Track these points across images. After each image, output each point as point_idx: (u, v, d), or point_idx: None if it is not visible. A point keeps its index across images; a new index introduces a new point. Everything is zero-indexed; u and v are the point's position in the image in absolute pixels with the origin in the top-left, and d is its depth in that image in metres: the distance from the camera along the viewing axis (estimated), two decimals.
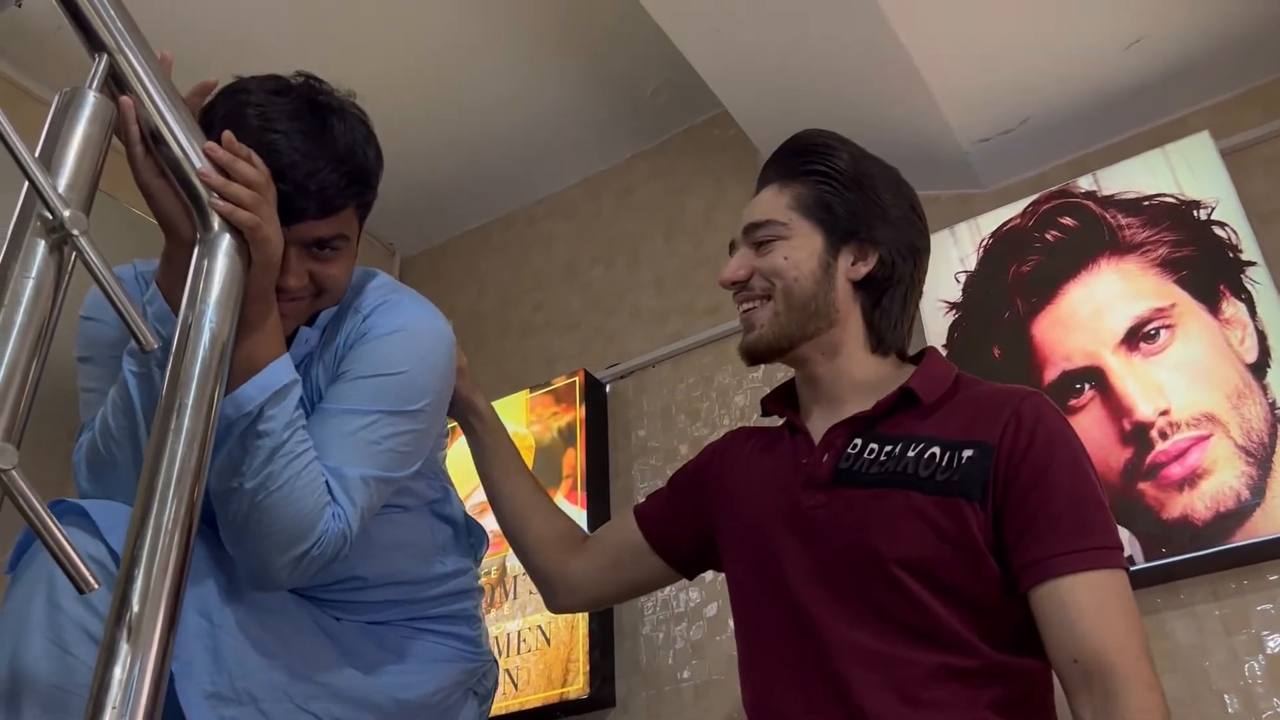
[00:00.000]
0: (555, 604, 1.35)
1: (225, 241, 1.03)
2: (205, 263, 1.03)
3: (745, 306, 1.16)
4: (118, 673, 0.82)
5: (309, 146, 1.07)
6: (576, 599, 1.35)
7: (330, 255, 1.11)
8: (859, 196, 1.14)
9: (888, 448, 1.07)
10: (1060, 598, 0.96)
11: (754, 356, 1.15)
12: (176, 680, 1.00)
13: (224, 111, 1.08)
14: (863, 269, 1.14)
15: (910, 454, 1.05)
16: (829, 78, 2.06)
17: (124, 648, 0.83)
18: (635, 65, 2.60)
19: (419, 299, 1.21)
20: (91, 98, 0.99)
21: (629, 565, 1.30)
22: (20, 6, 1.17)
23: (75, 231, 0.90)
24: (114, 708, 0.80)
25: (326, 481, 1.05)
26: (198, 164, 1.04)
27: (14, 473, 0.78)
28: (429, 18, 2.40)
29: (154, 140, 1.05)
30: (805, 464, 1.12)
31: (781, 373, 1.35)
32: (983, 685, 0.97)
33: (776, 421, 1.24)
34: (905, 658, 0.98)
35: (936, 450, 1.04)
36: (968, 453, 1.03)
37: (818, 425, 1.15)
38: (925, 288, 2.04)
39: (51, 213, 0.90)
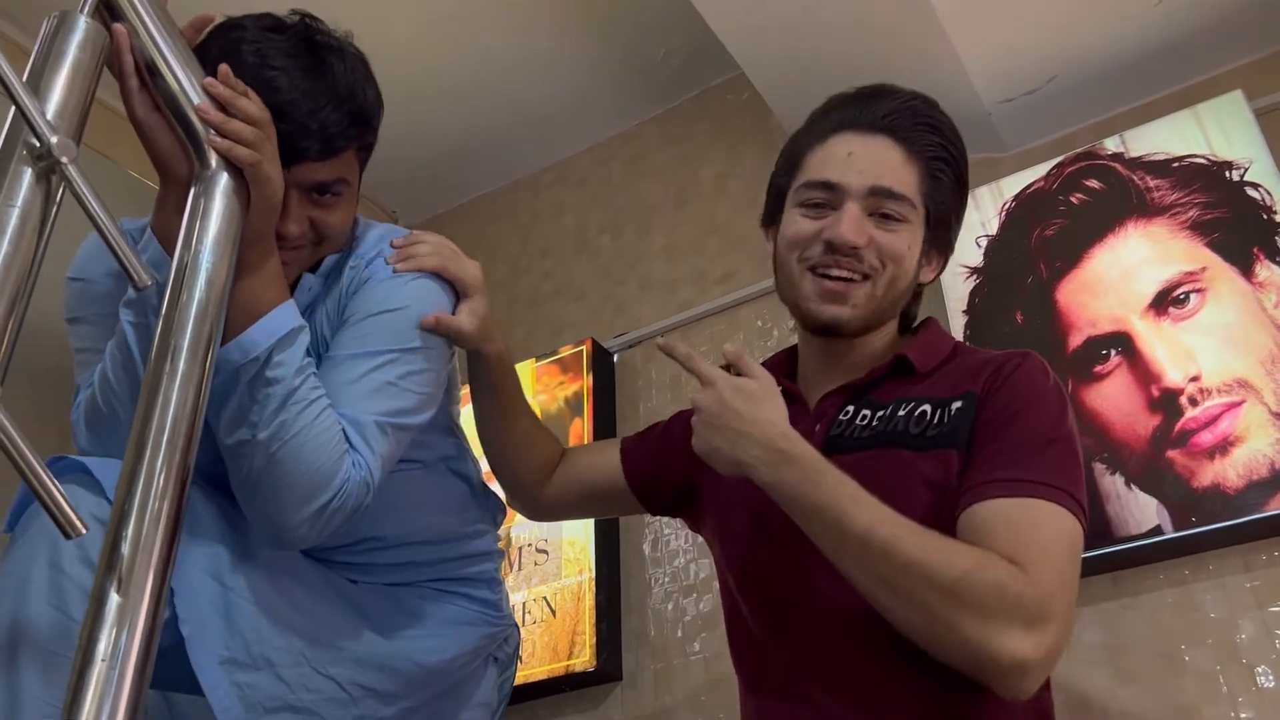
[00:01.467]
0: (531, 515, 1.39)
1: (223, 179, 0.99)
2: (202, 202, 0.98)
3: (841, 274, 1.04)
4: (108, 625, 0.77)
5: (309, 84, 1.03)
6: (551, 516, 1.42)
7: (331, 201, 1.07)
8: (959, 202, 1.10)
9: (879, 412, 1.04)
10: (976, 519, 0.90)
11: (837, 331, 1.07)
12: (189, 645, 0.96)
13: (218, 48, 1.04)
14: (930, 275, 1.12)
15: (900, 413, 1.02)
16: (849, 35, 2.00)
17: (113, 598, 0.78)
18: (646, 27, 2.53)
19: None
20: (83, 23, 0.94)
21: (602, 500, 1.31)
22: None
23: (64, 159, 0.85)
24: (103, 660, 0.76)
25: (344, 430, 1.00)
26: (195, 98, 0.99)
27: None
28: None
29: (149, 73, 1.00)
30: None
31: (795, 339, 1.30)
32: None
33: None
34: None
35: (927, 408, 1.01)
36: (956, 404, 1.00)
37: (814, 394, 1.12)
38: None
39: (39, 139, 0.85)
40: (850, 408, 1.07)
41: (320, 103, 1.03)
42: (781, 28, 2.05)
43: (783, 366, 1.19)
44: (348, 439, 1.00)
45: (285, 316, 1.00)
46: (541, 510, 1.36)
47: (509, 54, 2.59)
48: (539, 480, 1.31)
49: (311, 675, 1.03)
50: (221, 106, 0.97)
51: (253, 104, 0.99)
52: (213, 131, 0.97)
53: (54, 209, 0.87)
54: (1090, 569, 1.69)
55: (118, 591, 0.79)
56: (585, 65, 2.64)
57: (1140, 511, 1.65)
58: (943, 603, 0.83)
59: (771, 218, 1.16)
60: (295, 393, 0.97)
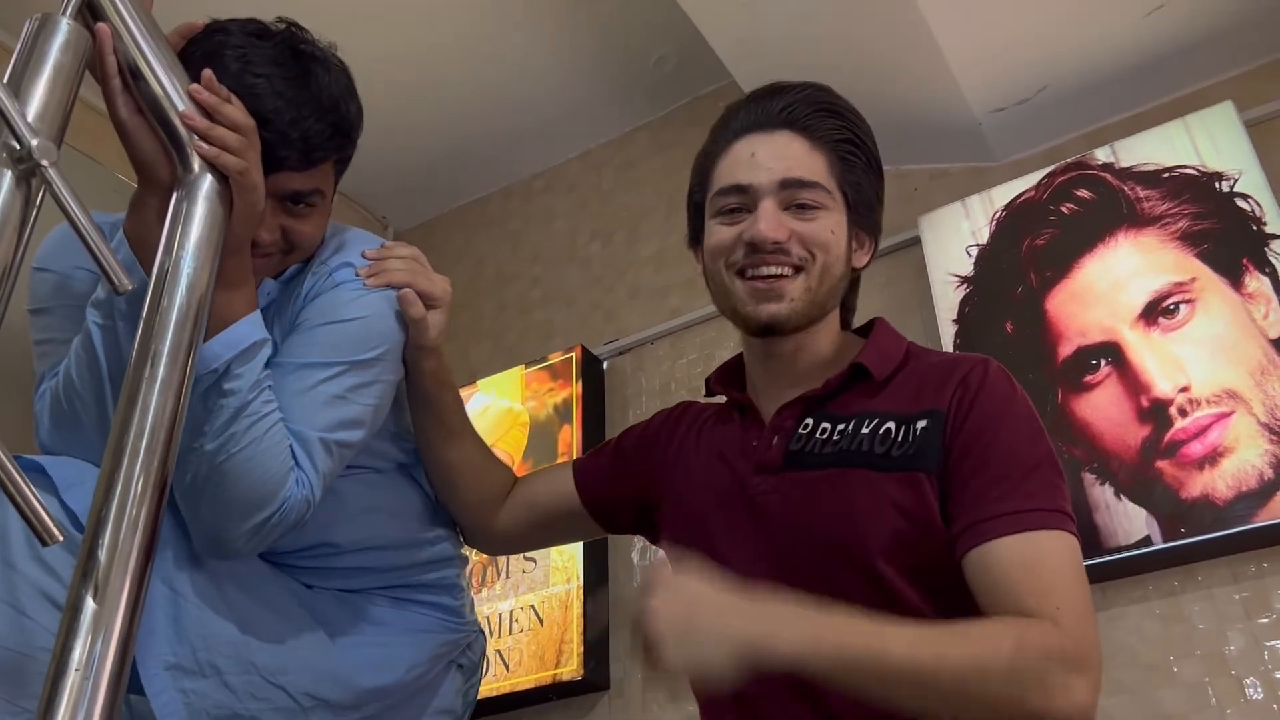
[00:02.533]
0: (482, 548, 1.35)
1: (206, 184, 0.98)
2: (185, 206, 0.97)
3: (773, 271, 1.02)
4: (83, 633, 0.76)
5: (293, 93, 1.02)
6: (500, 549, 1.41)
7: (305, 211, 1.06)
8: (874, 179, 1.08)
9: (840, 426, 1.01)
10: (988, 561, 0.89)
11: (777, 328, 1.04)
12: (136, 651, 0.94)
13: (202, 51, 1.03)
14: (863, 258, 1.09)
15: (864, 430, 0.99)
16: (841, 45, 2.00)
17: (89, 606, 0.77)
18: (638, 34, 2.53)
19: (376, 244, 1.16)
20: (65, 25, 0.93)
21: (559, 525, 1.26)
22: None
23: (44, 162, 0.84)
24: (78, 669, 0.74)
25: (290, 445, 0.99)
26: (178, 102, 0.98)
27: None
28: None
29: (132, 75, 0.99)
30: (754, 446, 1.05)
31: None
32: None
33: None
34: None
35: (891, 425, 0.98)
36: (922, 424, 0.97)
37: (767, 405, 1.08)
38: (935, 261, 2.03)
39: (19, 141, 0.84)
40: (809, 420, 1.03)
41: (303, 112, 1.02)
42: (773, 38, 2.05)
43: (731, 377, 1.16)
44: (294, 455, 0.99)
45: (249, 329, 0.99)
46: (495, 541, 1.30)
47: (500, 61, 2.58)
48: (490, 509, 1.25)
49: (260, 684, 1.02)
50: (206, 113, 0.96)
51: (238, 110, 0.98)
52: (197, 137, 0.96)
53: (34, 212, 0.86)
54: None
55: (94, 600, 0.78)
56: (577, 72, 2.63)
57: (1129, 522, 1.65)
58: (1004, 691, 0.82)
59: (696, 237, 1.13)
60: (248, 407, 0.96)
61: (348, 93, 1.08)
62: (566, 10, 2.48)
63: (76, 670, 0.74)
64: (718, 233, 1.06)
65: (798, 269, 1.02)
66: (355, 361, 1.05)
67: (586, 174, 2.85)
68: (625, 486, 1.20)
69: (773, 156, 1.04)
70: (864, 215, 1.07)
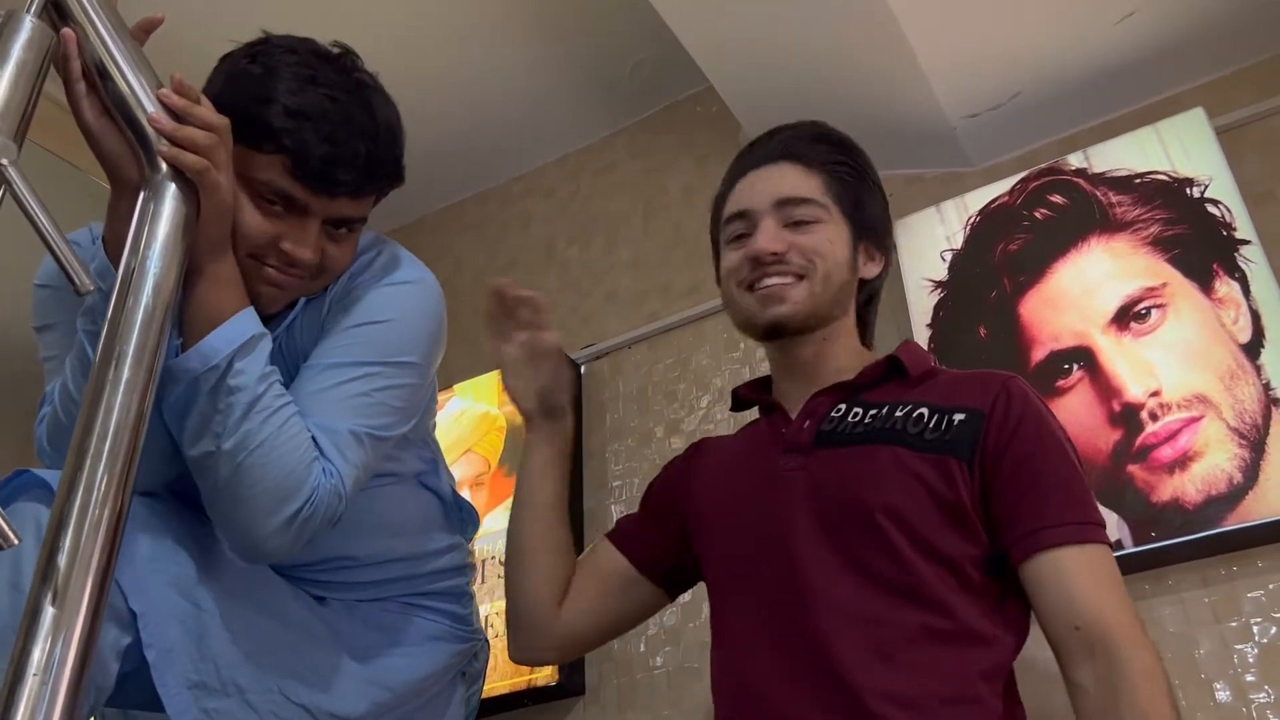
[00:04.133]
0: (529, 653, 1.22)
1: (172, 185, 0.97)
2: (151, 206, 0.97)
3: (775, 281, 1.10)
4: (42, 637, 0.75)
5: (360, 119, 1.03)
6: (557, 652, 1.23)
7: (344, 236, 1.07)
8: (879, 201, 1.18)
9: (873, 410, 1.07)
10: (1057, 568, 0.96)
11: (781, 330, 1.11)
12: (155, 668, 0.93)
13: (261, 66, 1.02)
14: (874, 269, 1.16)
15: (899, 413, 1.05)
16: (817, 50, 2.01)
17: (48, 610, 0.76)
18: (615, 39, 2.53)
19: (409, 255, 1.17)
20: (29, 23, 0.92)
21: (617, 595, 1.19)
22: None
23: (4, 161, 0.83)
24: (35, 674, 0.73)
25: (313, 437, 0.98)
26: (145, 101, 0.98)
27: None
28: None
29: (98, 74, 0.98)
30: (784, 433, 1.10)
31: (762, 352, 1.30)
32: (962, 649, 0.95)
33: (744, 419, 1.23)
34: (886, 617, 0.96)
35: (925, 411, 1.04)
36: (959, 416, 1.03)
37: (796, 405, 1.13)
38: (909, 266, 2.03)
39: None
40: (842, 405, 1.09)
41: (363, 142, 1.02)
42: (750, 43, 2.05)
43: (759, 389, 1.22)
44: (318, 446, 0.98)
45: (245, 323, 0.98)
46: (557, 642, 1.19)
47: (477, 66, 2.57)
48: (553, 608, 1.18)
49: (283, 703, 1.01)
50: (175, 115, 0.95)
51: (208, 111, 0.97)
52: (163, 140, 0.95)
53: None
54: None
55: (53, 603, 0.77)
56: (554, 77, 2.63)
57: None
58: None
59: (719, 272, 1.21)
60: (259, 400, 0.95)
61: (399, 122, 1.08)
62: (543, 16, 2.48)
63: (35, 675, 0.73)
64: (728, 258, 1.15)
65: (800, 276, 1.10)
66: (385, 363, 1.05)
67: (564, 179, 2.84)
68: (666, 533, 1.19)
69: (770, 183, 1.13)
70: (870, 229, 1.16)
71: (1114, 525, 1.65)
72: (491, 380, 2.50)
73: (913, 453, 1.01)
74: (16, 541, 0.73)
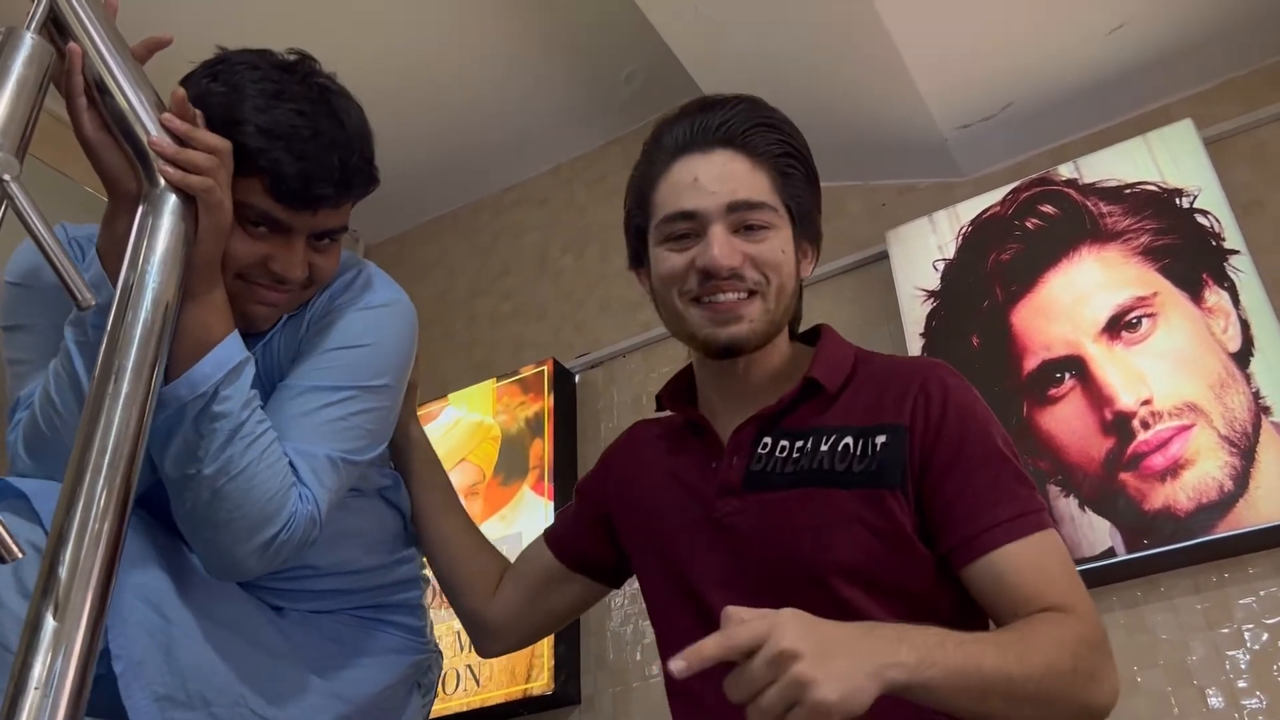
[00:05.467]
0: (484, 649, 1.25)
1: (171, 199, 0.97)
2: (150, 219, 0.97)
3: (729, 296, 1.01)
4: (43, 650, 0.75)
5: (330, 131, 1.02)
6: (503, 643, 1.24)
7: (328, 246, 1.07)
8: (813, 187, 1.07)
9: (798, 443, 1.01)
10: (997, 571, 0.92)
11: (737, 350, 1.03)
12: (122, 680, 0.93)
13: (227, 84, 1.02)
14: (809, 267, 1.08)
15: (823, 448, 0.99)
16: (809, 61, 2.02)
17: (49, 624, 0.76)
18: (608, 49, 2.54)
19: (384, 276, 1.17)
20: (29, 39, 0.93)
21: (549, 594, 1.21)
22: None
23: (5, 176, 0.83)
24: (37, 688, 0.73)
25: (291, 463, 0.99)
26: (144, 115, 0.98)
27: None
28: (396, 7, 2.33)
29: (98, 90, 0.98)
30: (715, 468, 1.05)
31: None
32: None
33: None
34: None
35: (849, 440, 0.98)
36: (880, 439, 0.97)
37: (723, 422, 1.08)
38: (902, 275, 2.05)
39: None
40: (767, 440, 1.03)
41: (341, 151, 1.02)
42: (742, 54, 2.07)
43: (682, 394, 1.14)
44: (296, 472, 0.99)
45: (231, 349, 0.98)
46: (494, 631, 1.23)
47: (471, 76, 2.58)
48: (485, 596, 1.22)
49: (249, 716, 1.00)
50: (177, 138, 0.96)
51: (210, 134, 0.98)
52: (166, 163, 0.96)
53: None
54: None
55: (54, 617, 0.77)
56: (548, 87, 2.64)
57: (1093, 533, 1.67)
58: (1072, 686, 0.85)
59: (638, 258, 1.12)
60: (242, 427, 0.95)
61: (366, 124, 1.09)
62: (537, 26, 2.49)
63: (36, 689, 0.73)
64: (668, 260, 1.04)
65: (753, 292, 1.01)
66: (361, 387, 1.05)
67: (558, 188, 2.85)
68: (598, 529, 1.18)
69: (716, 179, 1.02)
70: (807, 226, 1.06)
71: (1106, 533, 1.66)
72: (486, 390, 2.50)
73: (846, 492, 0.96)
74: (20, 555, 0.74)
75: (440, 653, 1.30)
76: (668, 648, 1.07)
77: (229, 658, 1.00)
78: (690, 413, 1.10)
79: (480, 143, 2.79)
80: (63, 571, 0.79)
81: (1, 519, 0.73)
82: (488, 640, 1.24)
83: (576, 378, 2.51)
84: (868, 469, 0.96)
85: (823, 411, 1.02)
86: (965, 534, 0.93)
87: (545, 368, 2.45)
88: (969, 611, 0.95)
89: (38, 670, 0.74)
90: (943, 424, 0.96)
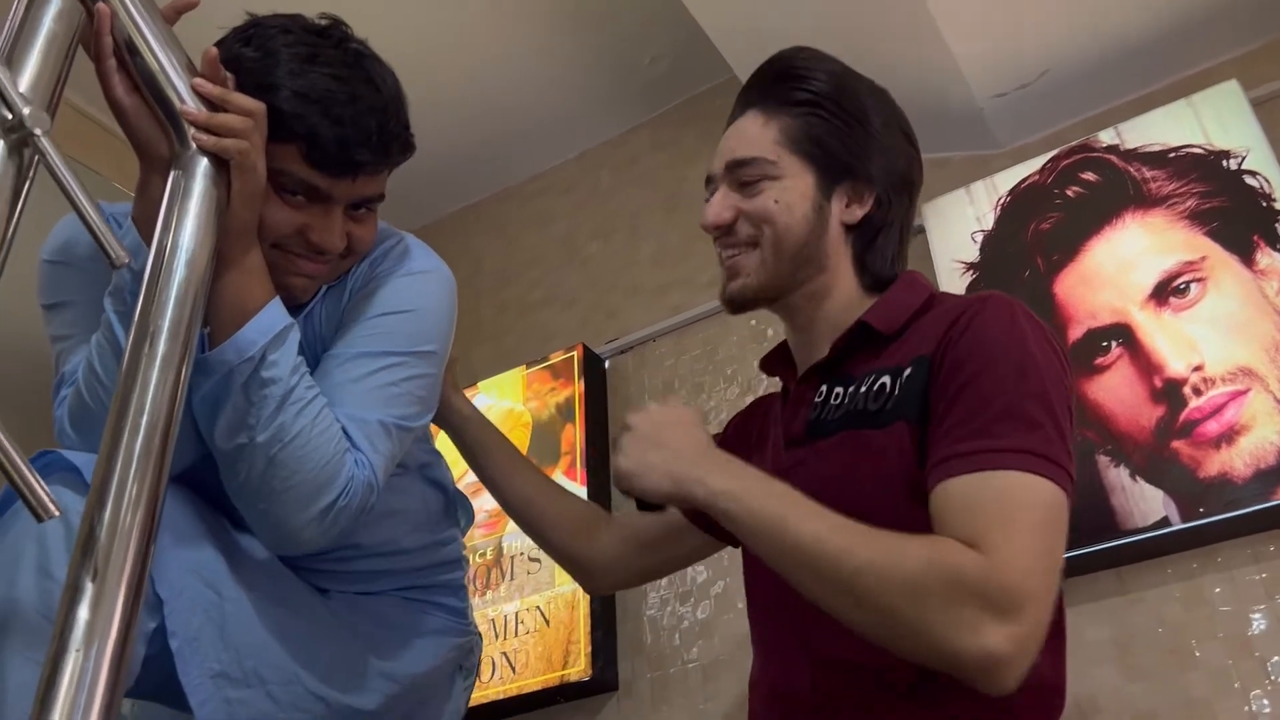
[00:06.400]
0: (591, 585, 1.33)
1: (204, 161, 0.96)
2: (182, 183, 0.96)
3: (729, 253, 1.05)
4: (82, 612, 0.73)
5: (368, 97, 1.01)
6: (611, 579, 1.30)
7: (366, 216, 1.06)
8: (852, 129, 1.03)
9: (850, 389, 0.99)
10: (938, 505, 0.83)
11: (738, 306, 1.05)
12: (178, 656, 0.92)
13: (261, 50, 1.01)
14: (858, 212, 1.04)
15: (864, 389, 0.97)
16: (840, 33, 1.98)
17: (89, 586, 0.75)
18: (632, 33, 2.52)
19: (423, 245, 1.16)
20: None
21: (669, 543, 1.23)
22: None
23: (37, 131, 0.82)
24: (77, 650, 0.72)
25: (344, 429, 0.98)
26: (175, 77, 0.96)
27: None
28: None
29: (128, 51, 0.97)
30: (787, 421, 1.07)
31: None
32: None
33: None
34: None
35: (886, 379, 0.95)
36: (908, 372, 0.93)
37: (799, 378, 1.09)
38: (940, 248, 2.01)
39: (10, 110, 0.82)
40: (824, 387, 1.02)
41: (383, 117, 1.01)
42: (770, 28, 2.03)
43: (778, 356, 1.15)
44: (349, 437, 0.98)
45: (275, 314, 0.97)
46: (604, 566, 1.26)
47: (494, 65, 2.56)
48: (583, 539, 1.26)
49: (303, 695, 1.00)
50: (209, 103, 0.94)
51: (243, 96, 0.96)
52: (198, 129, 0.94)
53: (27, 183, 0.83)
54: (1094, 564, 1.66)
55: (92, 580, 0.75)
56: (571, 73, 2.61)
57: (1146, 504, 1.62)
58: (903, 604, 0.77)
59: None
60: (292, 392, 0.94)
61: (400, 89, 1.07)
62: (560, 12, 2.47)
63: (77, 650, 0.71)
64: (701, 217, 1.09)
65: (752, 244, 1.03)
66: (409, 353, 1.04)
67: (584, 174, 2.83)
68: None
69: (729, 142, 1.06)
70: (845, 170, 1.02)
71: (1159, 502, 1.62)
72: (516, 377, 2.48)
73: (877, 431, 0.93)
74: (56, 513, 0.72)
75: (480, 635, 1.29)
76: (751, 604, 1.07)
77: (283, 636, 0.99)
78: (784, 376, 1.11)
79: (504, 132, 2.77)
80: (101, 533, 0.77)
81: (32, 471, 0.71)
82: (596, 577, 1.29)
83: (606, 363, 2.48)
84: (896, 405, 0.93)
85: (879, 355, 0.99)
86: (929, 465, 0.87)
87: (575, 353, 2.43)
88: None
89: (79, 632, 0.72)
90: (953, 350, 0.90)
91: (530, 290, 2.77)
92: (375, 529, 1.12)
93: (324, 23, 1.06)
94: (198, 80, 0.95)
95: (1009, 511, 0.80)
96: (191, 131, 0.95)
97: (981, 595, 0.75)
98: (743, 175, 1.03)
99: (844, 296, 1.05)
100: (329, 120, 0.98)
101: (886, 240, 1.05)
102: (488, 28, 2.46)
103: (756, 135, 1.04)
